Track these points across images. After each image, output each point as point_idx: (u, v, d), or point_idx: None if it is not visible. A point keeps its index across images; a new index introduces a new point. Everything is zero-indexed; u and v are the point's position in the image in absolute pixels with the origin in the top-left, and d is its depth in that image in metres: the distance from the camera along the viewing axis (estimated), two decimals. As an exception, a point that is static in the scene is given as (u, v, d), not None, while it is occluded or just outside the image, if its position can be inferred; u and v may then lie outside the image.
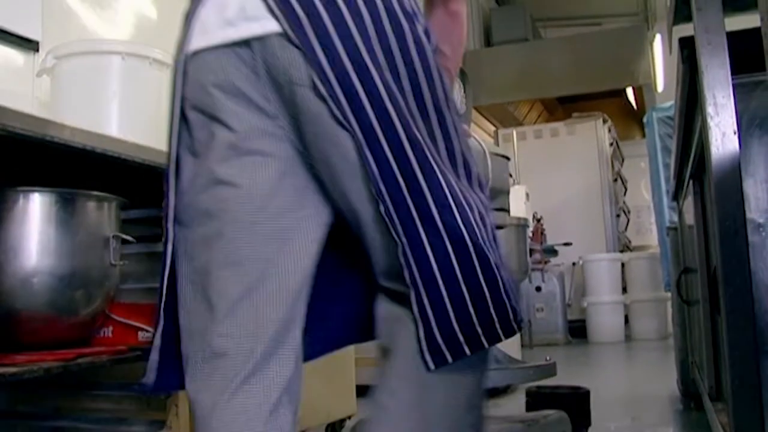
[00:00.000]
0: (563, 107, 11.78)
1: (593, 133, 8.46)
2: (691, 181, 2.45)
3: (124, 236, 1.89)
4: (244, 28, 1.11)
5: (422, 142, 1.08)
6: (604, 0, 10.04)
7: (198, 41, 1.18)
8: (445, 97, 1.15)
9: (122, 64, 2.44)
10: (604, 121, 8.51)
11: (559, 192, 8.16)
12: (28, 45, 2.71)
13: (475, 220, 1.10)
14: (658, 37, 8.67)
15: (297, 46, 1.06)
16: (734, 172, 1.37)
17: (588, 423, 2.42)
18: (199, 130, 1.18)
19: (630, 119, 11.90)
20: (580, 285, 7.66)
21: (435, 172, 1.07)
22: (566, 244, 7.51)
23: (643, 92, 9.32)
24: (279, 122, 1.13)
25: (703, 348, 2.45)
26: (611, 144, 8.57)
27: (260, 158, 1.13)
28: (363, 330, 1.29)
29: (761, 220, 1.45)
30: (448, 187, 1.08)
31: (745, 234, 1.40)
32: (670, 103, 3.93)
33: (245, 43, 1.11)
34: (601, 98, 10.62)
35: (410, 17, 1.13)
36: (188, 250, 1.18)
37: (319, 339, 1.29)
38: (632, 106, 11.58)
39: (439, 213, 1.06)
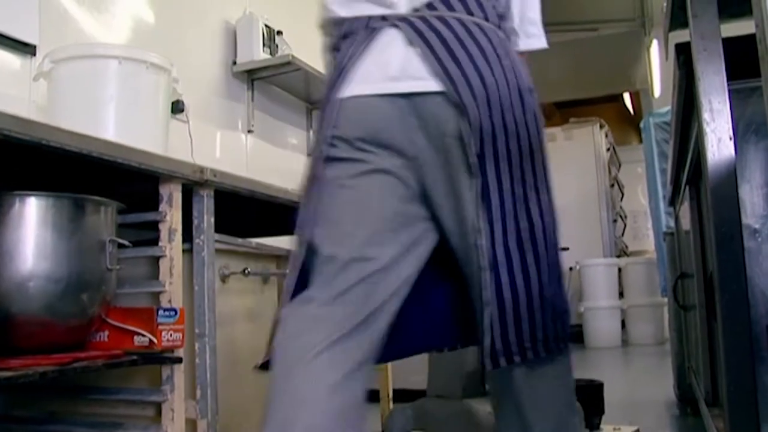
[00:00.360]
0: (560, 112, 11.79)
1: (590, 138, 8.46)
2: (687, 187, 2.46)
3: (121, 240, 1.89)
4: (407, 84, 1.40)
5: (527, 192, 1.44)
6: (601, 5, 10.05)
7: (359, 88, 1.43)
8: (543, 158, 1.50)
9: (119, 68, 2.44)
10: (601, 127, 8.52)
11: (556, 197, 8.17)
12: (25, 49, 2.71)
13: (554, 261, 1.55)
14: (655, 43, 8.68)
15: (454, 105, 1.37)
16: (730, 177, 1.37)
17: (602, 412, 2.59)
18: (343, 152, 1.43)
19: (627, 124, 11.91)
20: (577, 290, 7.65)
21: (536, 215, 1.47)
22: (563, 248, 7.50)
23: (640, 97, 9.33)
24: (414, 162, 1.42)
25: (700, 353, 2.45)
26: (608, 149, 8.58)
27: (388, 178, 1.43)
28: (436, 338, 1.63)
29: (757, 226, 1.46)
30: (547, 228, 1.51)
31: (740, 239, 1.40)
32: (667, 108, 3.94)
33: (403, 95, 1.39)
34: (598, 103, 10.64)
35: (531, 93, 1.48)
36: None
37: (397, 342, 1.51)
38: (629, 112, 11.59)
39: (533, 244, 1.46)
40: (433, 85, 1.38)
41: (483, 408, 2.20)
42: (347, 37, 1.50)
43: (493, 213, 1.40)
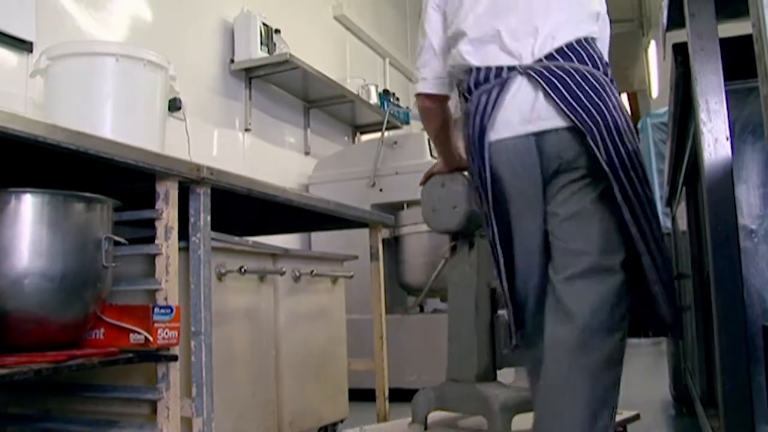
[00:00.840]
0: (558, 112, 11.78)
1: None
2: (684, 187, 2.46)
3: (117, 238, 1.88)
4: (538, 124, 1.76)
5: (642, 198, 1.73)
6: (599, 6, 10.05)
7: (503, 133, 1.79)
8: (643, 172, 1.77)
9: (116, 66, 2.44)
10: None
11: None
12: (22, 46, 2.71)
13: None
14: (652, 44, 8.69)
15: (578, 134, 1.73)
16: (726, 177, 1.37)
17: None
18: (494, 185, 1.82)
19: (624, 125, 11.91)
20: (574, 290, 7.65)
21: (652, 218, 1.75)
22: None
23: (638, 98, 9.35)
24: (538, 186, 1.80)
25: (696, 353, 2.45)
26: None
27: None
28: None
29: (753, 226, 1.45)
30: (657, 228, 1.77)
31: (737, 239, 1.40)
32: (665, 109, 3.94)
33: (536, 134, 1.76)
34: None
35: (633, 132, 1.78)
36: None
37: None
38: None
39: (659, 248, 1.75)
40: (559, 122, 1.74)
41: (493, 391, 2.39)
42: (480, 85, 1.85)
43: (636, 209, 1.72)
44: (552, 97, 1.73)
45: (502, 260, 1.85)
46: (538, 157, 1.77)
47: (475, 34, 1.87)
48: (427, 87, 2.13)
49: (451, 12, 2.02)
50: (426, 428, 2.55)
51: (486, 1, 1.89)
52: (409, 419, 2.60)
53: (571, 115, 1.72)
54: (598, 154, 1.70)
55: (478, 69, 1.85)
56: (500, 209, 1.83)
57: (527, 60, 1.79)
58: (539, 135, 1.75)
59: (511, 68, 1.80)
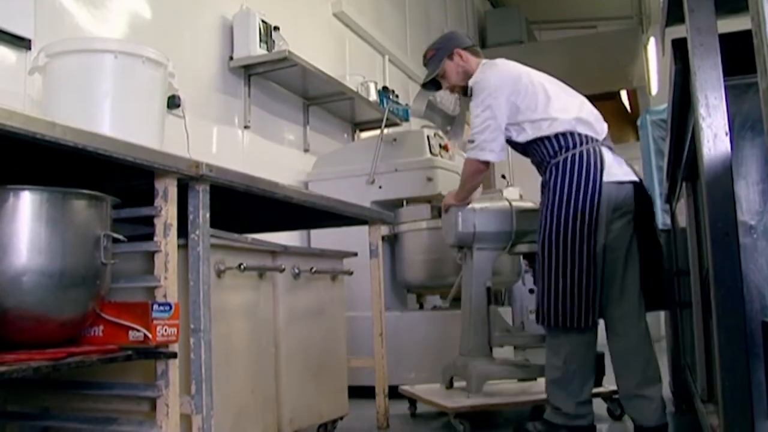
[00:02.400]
0: (558, 110, 11.76)
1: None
2: (683, 184, 2.45)
3: (116, 235, 1.88)
4: (631, 176, 2.87)
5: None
6: (598, 3, 10.05)
7: (611, 177, 2.80)
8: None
9: (115, 63, 2.44)
10: (599, 124, 8.51)
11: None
12: (20, 43, 2.71)
13: None
14: (652, 41, 8.69)
15: (636, 187, 2.86)
16: (726, 173, 1.37)
17: (603, 374, 3.14)
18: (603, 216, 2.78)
19: (624, 122, 11.88)
20: (574, 287, 7.64)
21: None
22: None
23: (637, 95, 9.32)
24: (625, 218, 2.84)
25: (695, 350, 2.45)
26: (605, 146, 8.57)
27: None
28: None
29: (752, 222, 1.45)
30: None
31: (736, 236, 1.40)
32: (664, 105, 3.93)
33: (629, 183, 2.84)
34: (595, 101, 10.57)
35: None
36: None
37: None
38: (626, 109, 11.57)
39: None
40: (634, 177, 2.88)
41: (473, 362, 3.30)
42: (579, 146, 2.83)
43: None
44: (622, 163, 2.90)
45: (593, 264, 2.72)
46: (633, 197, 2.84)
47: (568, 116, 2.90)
48: (494, 157, 2.95)
49: (529, 103, 2.94)
50: (449, 387, 3.52)
51: (561, 97, 3.00)
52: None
53: (635, 176, 2.90)
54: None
55: (572, 134, 2.86)
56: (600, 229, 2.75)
57: (601, 137, 2.92)
58: (628, 184, 2.85)
59: (596, 140, 2.88)
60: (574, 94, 3.05)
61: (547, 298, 2.77)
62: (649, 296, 2.83)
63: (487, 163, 2.98)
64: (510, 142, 3.02)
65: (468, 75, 3.21)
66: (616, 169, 2.82)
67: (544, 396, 2.96)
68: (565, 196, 2.74)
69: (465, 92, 3.26)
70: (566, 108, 2.92)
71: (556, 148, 2.84)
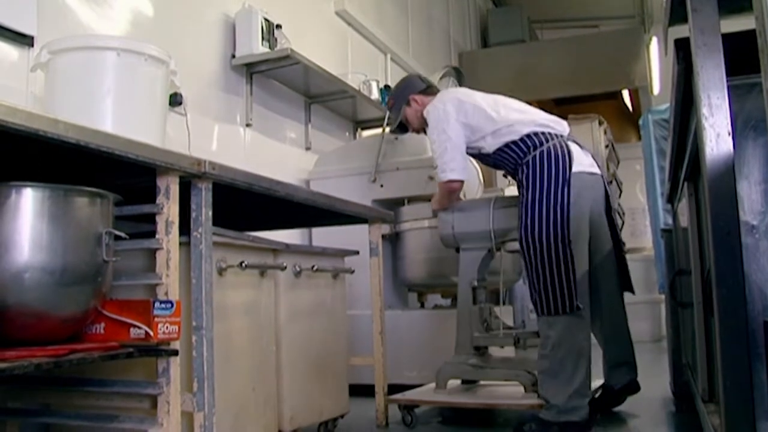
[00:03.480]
0: (559, 109, 11.74)
1: (589, 135, 8.43)
2: (685, 183, 2.45)
3: (117, 232, 1.88)
4: (597, 169, 3.20)
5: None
6: (600, 2, 10.04)
7: (579, 168, 3.05)
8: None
9: (117, 60, 2.44)
10: (600, 123, 8.49)
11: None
12: (23, 40, 2.71)
13: None
14: (654, 40, 8.68)
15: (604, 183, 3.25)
16: (728, 173, 1.37)
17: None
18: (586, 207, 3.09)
19: (626, 121, 11.89)
20: (575, 287, 7.63)
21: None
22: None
23: (639, 95, 9.32)
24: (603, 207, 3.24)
25: (697, 350, 2.45)
26: (607, 146, 8.55)
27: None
28: None
29: (755, 222, 1.45)
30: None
31: (738, 235, 1.39)
32: (666, 105, 3.93)
33: (598, 174, 3.19)
34: (597, 100, 10.60)
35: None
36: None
37: None
38: (628, 109, 11.58)
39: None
40: (598, 170, 3.18)
41: (444, 361, 3.41)
42: (546, 143, 3.05)
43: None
44: (588, 155, 3.18)
45: (569, 252, 2.87)
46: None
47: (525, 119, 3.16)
48: (457, 175, 3.19)
49: (480, 121, 3.17)
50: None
51: (514, 106, 3.27)
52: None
53: (598, 168, 3.21)
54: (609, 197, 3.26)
55: (539, 135, 3.08)
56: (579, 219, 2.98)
57: (565, 133, 3.17)
58: (595, 175, 3.16)
59: (560, 135, 3.13)
60: (527, 107, 3.31)
61: (534, 289, 2.94)
62: (621, 280, 3.34)
63: (458, 182, 3.22)
64: (479, 156, 3.29)
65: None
66: (584, 160, 3.09)
67: (509, 401, 3.17)
68: (538, 191, 2.94)
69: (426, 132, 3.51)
70: (522, 114, 3.19)
71: (524, 149, 3.06)
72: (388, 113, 3.69)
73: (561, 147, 3.03)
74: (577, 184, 2.96)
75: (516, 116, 3.16)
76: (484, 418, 3.43)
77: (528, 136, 3.08)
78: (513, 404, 3.18)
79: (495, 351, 3.59)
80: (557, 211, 2.89)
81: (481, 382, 3.52)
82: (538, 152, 3.02)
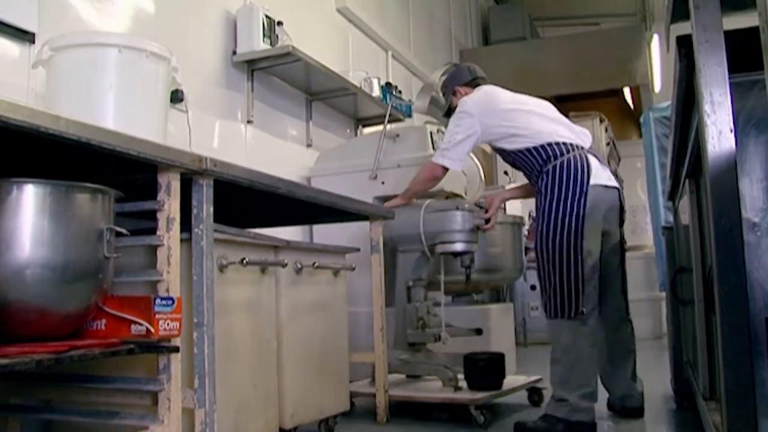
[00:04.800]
0: (560, 106, 11.64)
1: (590, 133, 8.44)
2: (687, 181, 2.45)
3: (119, 229, 1.88)
4: (614, 182, 3.24)
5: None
6: (602, 0, 10.03)
7: (596, 181, 3.11)
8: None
9: (119, 57, 2.44)
10: (601, 121, 8.49)
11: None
12: (24, 36, 2.71)
13: None
14: (655, 38, 8.67)
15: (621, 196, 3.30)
16: (730, 169, 1.37)
17: (503, 376, 3.42)
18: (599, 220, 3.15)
19: (627, 119, 11.88)
20: (576, 284, 7.63)
21: None
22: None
23: (641, 92, 9.31)
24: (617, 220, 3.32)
25: (698, 347, 2.45)
26: (608, 144, 8.55)
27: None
28: None
29: (756, 220, 1.45)
30: None
31: (740, 233, 1.39)
32: (667, 103, 3.93)
33: (613, 188, 3.23)
34: (598, 98, 10.60)
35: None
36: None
37: None
38: (629, 106, 11.57)
39: None
40: (615, 184, 3.24)
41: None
42: (566, 153, 3.13)
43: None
44: (606, 168, 3.25)
45: (581, 260, 2.97)
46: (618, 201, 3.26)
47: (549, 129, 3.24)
48: (451, 164, 3.35)
49: (503, 124, 3.27)
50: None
51: (543, 114, 3.34)
52: None
53: (617, 182, 3.27)
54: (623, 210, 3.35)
55: (565, 144, 3.16)
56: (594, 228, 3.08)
57: (587, 145, 3.25)
58: (612, 188, 3.22)
59: (581, 147, 3.20)
60: (555, 114, 3.41)
61: (545, 292, 3.05)
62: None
63: (444, 171, 3.40)
64: (499, 151, 3.40)
65: None
66: (602, 174, 3.16)
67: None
68: (555, 201, 3.04)
69: None
70: (547, 121, 3.28)
71: (545, 157, 3.14)
72: (445, 96, 3.74)
73: (581, 159, 3.10)
74: (594, 196, 3.04)
75: (539, 124, 3.24)
76: (460, 414, 3.43)
77: (549, 144, 3.15)
78: (429, 397, 3.35)
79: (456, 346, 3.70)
80: (572, 221, 2.99)
81: (426, 377, 3.71)
82: (558, 162, 3.10)
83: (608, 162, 8.43)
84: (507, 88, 3.51)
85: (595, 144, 8.44)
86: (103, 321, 1.90)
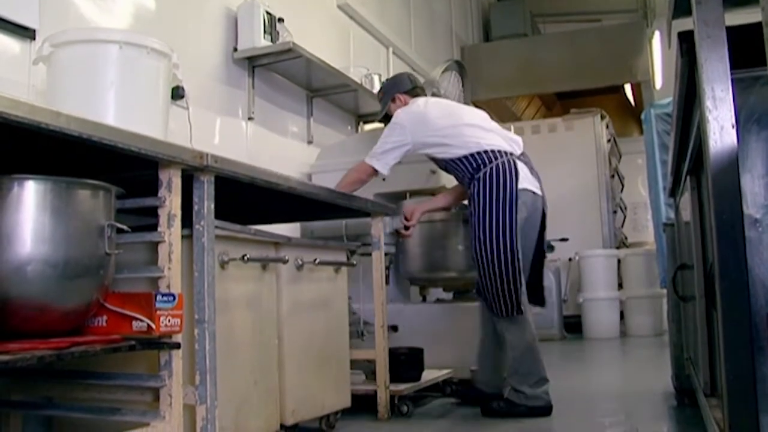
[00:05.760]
0: (561, 103, 11.77)
1: (591, 130, 8.44)
2: (688, 177, 2.45)
3: (119, 225, 1.88)
4: (540, 190, 3.49)
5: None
6: (603, -4, 10.03)
7: (526, 185, 3.37)
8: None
9: (119, 53, 2.44)
10: (602, 118, 8.49)
11: (556, 188, 8.07)
12: (25, 33, 2.70)
13: None
14: (657, 34, 8.67)
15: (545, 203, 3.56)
16: (732, 165, 1.36)
17: (422, 369, 3.58)
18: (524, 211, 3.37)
19: (628, 116, 11.89)
20: (576, 281, 7.64)
21: None
22: (563, 239, 7.49)
23: (642, 89, 9.30)
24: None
25: (699, 344, 2.45)
26: (609, 140, 8.55)
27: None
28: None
29: (758, 216, 1.45)
30: None
31: (741, 229, 1.39)
32: (668, 99, 3.93)
33: (540, 195, 3.51)
34: (599, 94, 10.61)
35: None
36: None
37: None
38: (630, 103, 11.57)
39: None
40: (540, 192, 3.46)
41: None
42: (495, 160, 3.34)
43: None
44: (535, 173, 3.46)
45: (518, 260, 3.21)
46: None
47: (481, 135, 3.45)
48: (381, 167, 3.48)
49: (434, 136, 3.47)
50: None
51: (471, 124, 3.50)
52: None
53: (540, 188, 3.48)
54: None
55: (485, 152, 3.37)
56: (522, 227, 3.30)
57: (517, 153, 3.45)
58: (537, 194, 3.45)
59: (510, 153, 3.40)
60: (487, 122, 3.59)
61: (488, 293, 3.27)
62: (536, 294, 3.51)
63: (373, 172, 3.52)
64: (434, 159, 3.63)
65: None
66: (530, 180, 3.40)
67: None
68: (488, 206, 3.28)
69: None
70: (478, 130, 3.47)
71: (474, 165, 3.36)
72: (380, 101, 3.88)
73: (509, 164, 3.33)
74: (524, 199, 3.32)
75: (470, 133, 3.45)
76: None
77: (479, 153, 3.36)
78: (354, 389, 3.27)
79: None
80: (506, 224, 3.23)
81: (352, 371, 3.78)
82: (487, 169, 3.32)
83: (608, 158, 8.48)
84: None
85: (596, 141, 8.51)
86: (105, 317, 1.91)
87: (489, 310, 3.30)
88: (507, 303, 3.23)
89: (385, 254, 3.47)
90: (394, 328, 3.72)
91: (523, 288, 3.25)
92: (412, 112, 3.57)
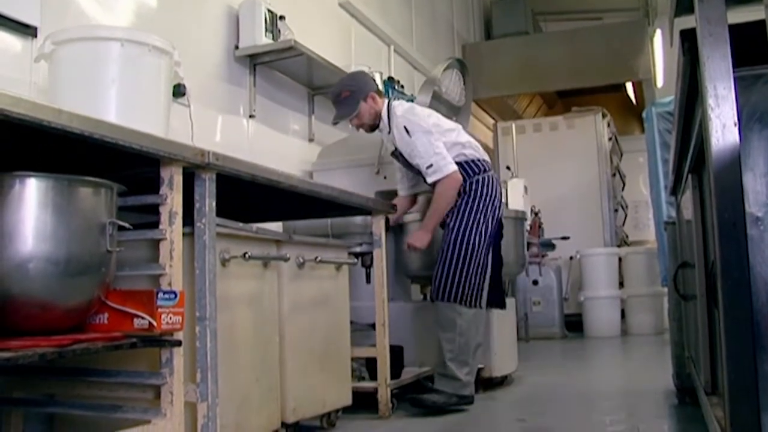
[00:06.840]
0: (562, 101, 11.76)
1: (592, 128, 8.44)
2: (689, 175, 2.45)
3: (121, 223, 1.88)
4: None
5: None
6: (605, -5, 10.02)
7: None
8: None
9: (121, 51, 2.43)
10: (604, 116, 8.49)
11: (558, 186, 8.14)
12: (26, 30, 2.71)
13: None
14: (658, 33, 8.65)
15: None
16: (734, 163, 1.36)
17: (401, 367, 3.66)
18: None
19: (629, 114, 11.88)
20: (577, 279, 7.64)
21: None
22: (564, 238, 7.50)
23: (643, 87, 9.30)
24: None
25: (700, 342, 2.45)
26: (610, 139, 8.55)
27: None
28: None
29: (760, 214, 1.45)
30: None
31: (743, 227, 1.39)
32: (670, 98, 3.93)
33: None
34: (600, 93, 10.60)
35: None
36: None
37: None
38: (632, 102, 11.56)
39: None
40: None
41: None
42: (485, 172, 3.66)
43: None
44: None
45: (489, 260, 3.54)
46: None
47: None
48: (454, 166, 3.54)
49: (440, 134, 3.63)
50: None
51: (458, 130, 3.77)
52: None
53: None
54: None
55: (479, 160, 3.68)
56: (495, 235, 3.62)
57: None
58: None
59: (491, 166, 3.75)
60: (466, 135, 3.83)
61: (449, 279, 3.46)
62: (497, 297, 3.73)
63: (455, 175, 3.54)
64: (408, 165, 3.69)
65: (377, 115, 3.70)
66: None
67: None
68: (480, 203, 3.57)
69: (371, 129, 3.78)
70: (467, 139, 3.74)
71: (470, 171, 3.61)
72: (339, 102, 3.72)
73: (495, 179, 3.70)
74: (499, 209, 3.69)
75: (465, 140, 3.72)
76: (363, 401, 3.44)
77: (474, 161, 3.64)
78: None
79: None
80: (487, 226, 3.55)
81: None
82: (483, 176, 3.63)
83: (610, 157, 8.48)
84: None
85: (598, 139, 8.51)
86: (106, 315, 1.91)
87: (440, 292, 3.46)
88: (473, 294, 3.46)
89: (365, 254, 3.49)
90: (372, 326, 3.73)
91: (487, 285, 3.53)
92: (418, 110, 3.69)
